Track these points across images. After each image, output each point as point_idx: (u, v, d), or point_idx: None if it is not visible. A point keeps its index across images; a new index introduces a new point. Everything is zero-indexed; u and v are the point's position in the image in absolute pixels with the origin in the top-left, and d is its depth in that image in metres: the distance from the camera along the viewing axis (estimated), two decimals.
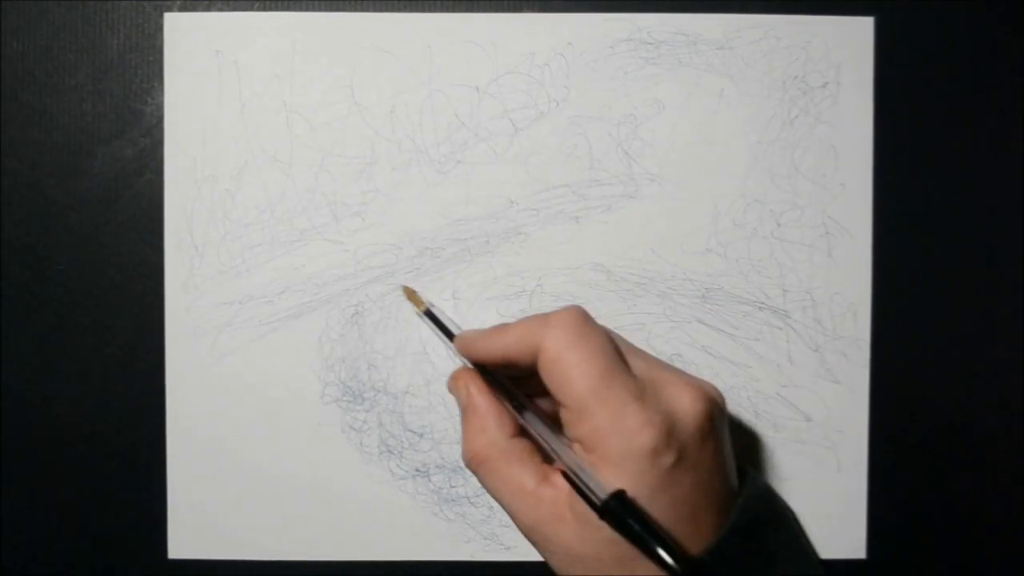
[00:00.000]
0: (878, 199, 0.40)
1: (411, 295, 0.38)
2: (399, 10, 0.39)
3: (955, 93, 0.40)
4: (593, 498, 0.29)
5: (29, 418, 0.40)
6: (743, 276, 0.40)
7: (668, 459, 0.29)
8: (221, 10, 0.39)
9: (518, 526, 0.31)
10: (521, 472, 0.31)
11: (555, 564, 0.31)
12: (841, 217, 0.40)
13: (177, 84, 0.39)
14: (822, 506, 0.40)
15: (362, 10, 0.39)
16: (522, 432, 0.33)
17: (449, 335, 0.36)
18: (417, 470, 0.40)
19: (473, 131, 0.39)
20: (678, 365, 0.40)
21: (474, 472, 0.32)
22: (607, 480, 0.29)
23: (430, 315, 0.37)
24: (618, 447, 0.29)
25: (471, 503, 0.40)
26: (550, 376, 0.30)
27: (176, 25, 0.39)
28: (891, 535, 0.40)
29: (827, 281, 0.40)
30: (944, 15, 0.40)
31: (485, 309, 0.40)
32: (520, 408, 0.32)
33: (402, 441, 0.40)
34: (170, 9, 0.39)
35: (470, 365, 0.34)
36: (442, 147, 0.40)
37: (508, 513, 0.32)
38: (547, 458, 0.32)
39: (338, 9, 0.39)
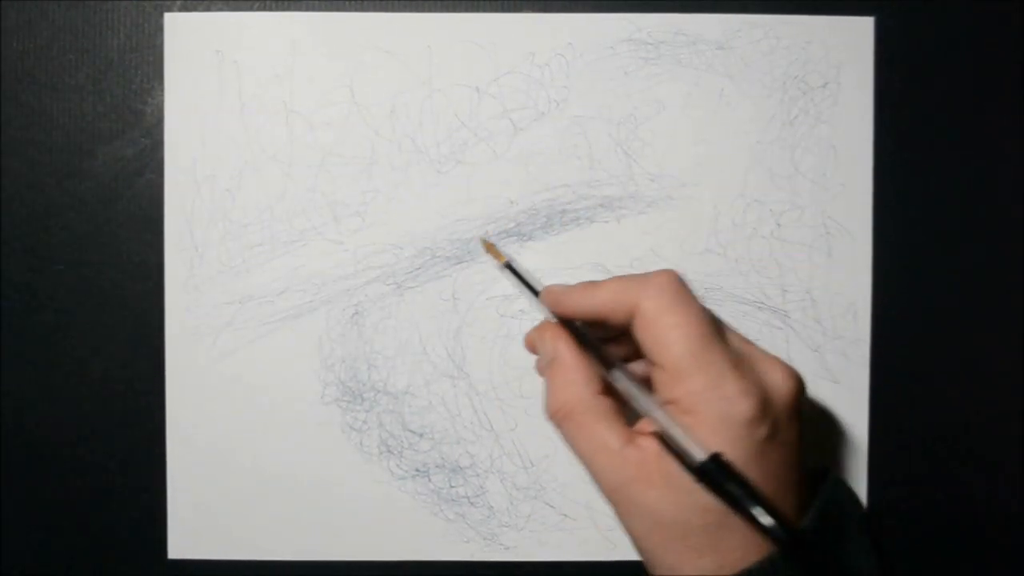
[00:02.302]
0: (878, 199, 0.40)
1: (490, 248, 0.38)
2: (399, 10, 0.39)
3: (955, 93, 0.40)
4: (689, 460, 0.28)
5: (29, 418, 0.40)
6: (743, 276, 0.40)
7: (762, 431, 0.28)
8: (221, 10, 0.39)
9: (599, 485, 0.30)
10: (607, 430, 0.30)
11: (634, 528, 0.30)
12: (841, 217, 0.40)
13: (177, 84, 0.39)
14: None
15: (362, 10, 0.39)
16: (607, 392, 0.32)
17: (531, 289, 0.35)
18: (417, 470, 0.40)
19: (473, 131, 0.39)
20: None
21: (557, 426, 0.32)
22: (703, 443, 0.28)
23: (510, 268, 0.37)
24: (716, 412, 0.28)
25: (471, 503, 0.40)
26: (647, 336, 0.30)
27: (176, 25, 0.39)
28: (891, 535, 0.40)
29: (827, 281, 0.40)
30: (944, 15, 0.40)
31: (485, 309, 0.40)
32: (609, 366, 0.32)
33: (402, 441, 0.40)
34: (170, 9, 0.39)
35: (553, 320, 0.34)
36: (442, 147, 0.40)
37: (589, 471, 0.31)
38: (631, 421, 0.31)
39: (338, 9, 0.39)
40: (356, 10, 0.39)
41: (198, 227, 0.39)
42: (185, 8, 0.39)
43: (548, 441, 0.40)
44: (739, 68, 0.39)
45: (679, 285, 0.30)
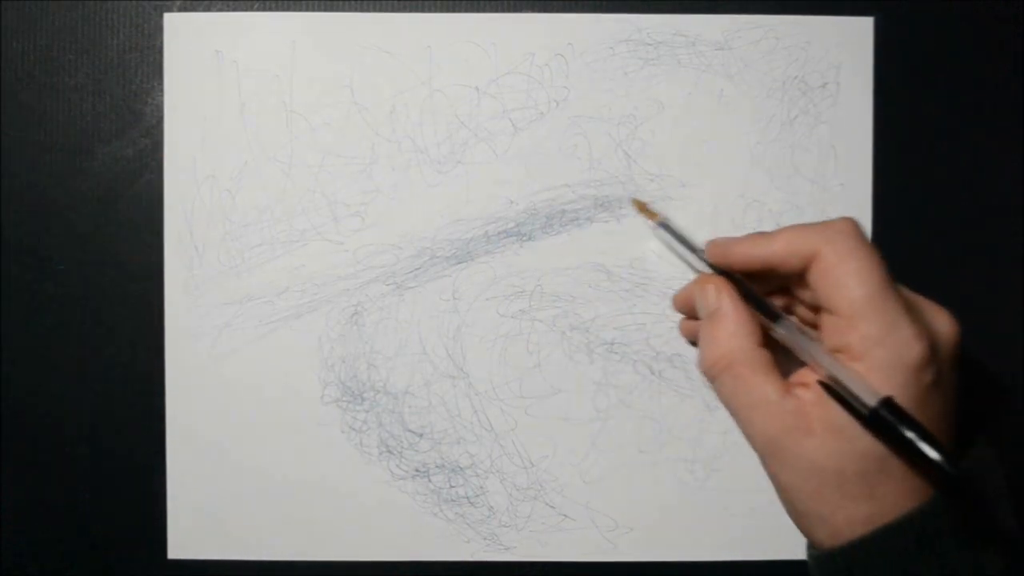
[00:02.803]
0: (877, 199, 0.40)
1: (642, 208, 0.38)
2: (399, 10, 0.39)
3: (955, 93, 0.40)
4: (858, 406, 0.28)
5: (29, 418, 0.40)
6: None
7: (928, 376, 0.29)
8: (221, 10, 0.39)
9: (752, 436, 0.31)
10: (766, 382, 0.30)
11: (786, 479, 0.30)
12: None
13: (177, 84, 0.39)
14: None
15: (362, 10, 0.39)
16: (766, 345, 0.32)
17: (687, 245, 0.36)
18: (417, 470, 0.40)
19: (473, 131, 0.39)
20: (678, 365, 0.40)
21: (714, 378, 0.32)
22: (874, 388, 0.28)
23: (665, 227, 0.37)
24: (888, 357, 0.29)
25: (471, 503, 0.40)
26: (825, 281, 0.30)
27: (176, 25, 0.39)
28: None
29: None
30: (944, 15, 0.40)
31: (485, 309, 0.40)
32: (775, 316, 0.32)
33: (402, 441, 0.40)
34: (170, 9, 0.39)
35: (709, 272, 0.34)
36: (442, 147, 0.40)
37: (743, 423, 0.31)
38: (786, 373, 0.32)
39: (338, 9, 0.39)
40: (356, 10, 0.39)
41: (198, 227, 0.39)
42: (185, 8, 0.39)
43: (548, 441, 0.40)
44: (739, 68, 0.39)
45: (859, 232, 0.31)
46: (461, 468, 0.40)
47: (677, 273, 0.39)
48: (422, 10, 0.39)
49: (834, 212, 0.39)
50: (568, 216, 0.40)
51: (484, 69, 0.39)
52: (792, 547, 0.40)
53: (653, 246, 0.39)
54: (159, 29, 0.39)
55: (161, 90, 0.40)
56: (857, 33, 0.39)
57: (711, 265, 0.34)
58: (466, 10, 0.39)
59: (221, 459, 0.40)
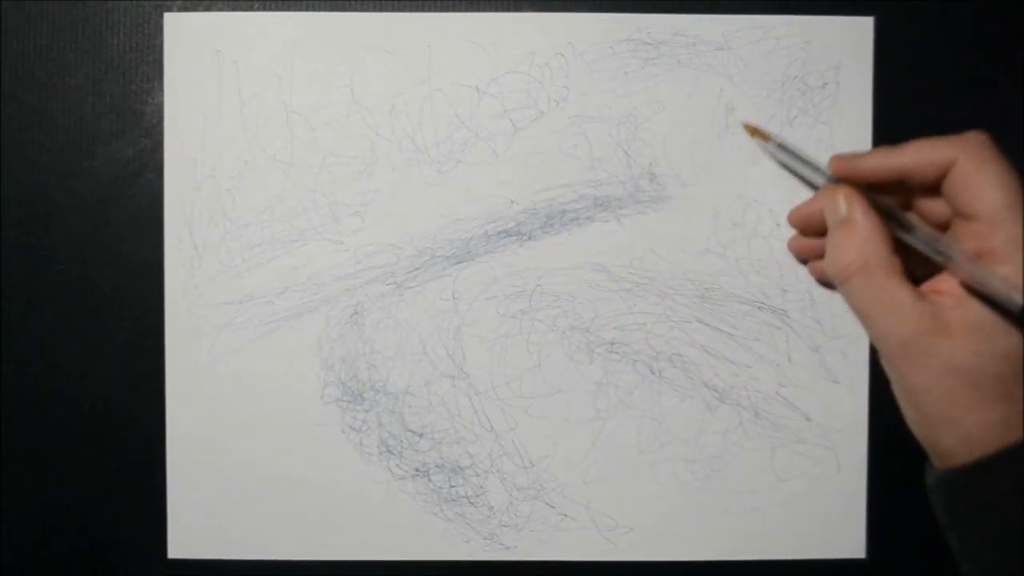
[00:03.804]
0: None
1: (754, 131, 0.38)
2: (399, 10, 0.39)
3: (955, 93, 0.40)
4: (1008, 304, 0.29)
5: (29, 418, 0.40)
6: (743, 276, 0.40)
7: None
8: (221, 10, 0.39)
9: (885, 338, 0.32)
10: (900, 284, 0.31)
11: (921, 381, 0.31)
12: None
13: (177, 84, 0.39)
14: (822, 506, 0.40)
15: (362, 10, 0.39)
16: (897, 252, 0.33)
17: (807, 163, 0.37)
18: (417, 470, 0.40)
19: (473, 131, 0.39)
20: (678, 365, 0.40)
21: (846, 280, 0.33)
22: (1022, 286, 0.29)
23: (782, 146, 0.38)
24: None
25: (471, 503, 0.40)
26: (964, 188, 0.31)
27: (176, 25, 0.39)
28: (891, 535, 0.40)
29: None
30: (944, 15, 0.40)
31: (485, 309, 0.40)
32: (907, 224, 0.33)
33: (402, 441, 0.40)
34: (170, 9, 0.39)
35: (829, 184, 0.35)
36: (442, 147, 0.40)
37: (876, 325, 0.32)
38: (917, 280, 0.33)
39: (338, 9, 0.39)
40: (356, 10, 0.39)
41: (198, 227, 0.39)
42: (185, 8, 0.39)
43: (548, 441, 0.40)
44: (739, 68, 0.39)
45: (993, 143, 0.32)
46: (461, 468, 0.40)
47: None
48: (422, 10, 0.39)
49: None
50: (568, 216, 0.40)
51: (484, 69, 0.39)
52: (792, 547, 0.40)
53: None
54: (159, 29, 0.39)
55: (161, 90, 0.40)
56: (857, 33, 0.39)
57: (835, 181, 0.35)
58: (466, 10, 0.39)
59: (221, 459, 0.40)
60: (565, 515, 0.40)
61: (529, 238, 0.40)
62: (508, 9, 0.39)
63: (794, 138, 0.39)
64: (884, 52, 0.39)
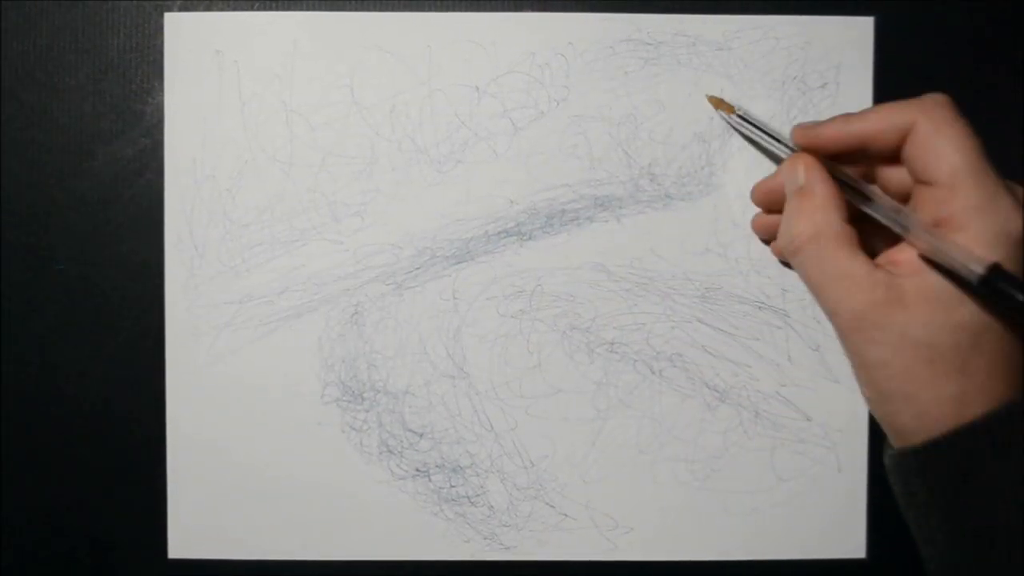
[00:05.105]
0: None
1: (718, 103, 0.38)
2: (399, 10, 0.39)
3: (955, 93, 0.40)
4: (965, 274, 0.28)
5: (29, 418, 0.40)
6: (743, 276, 0.40)
7: None
8: (221, 10, 0.39)
9: (837, 311, 0.31)
10: (853, 255, 0.30)
11: (875, 354, 0.30)
12: None
13: (177, 84, 0.39)
14: (822, 506, 0.40)
15: (362, 10, 0.39)
16: (852, 223, 0.32)
17: (769, 133, 0.36)
18: (417, 470, 0.40)
19: (473, 131, 0.39)
20: (678, 365, 0.40)
21: (797, 251, 0.32)
22: (979, 257, 0.28)
23: (744, 118, 0.37)
24: (991, 226, 0.28)
25: (471, 503, 0.40)
26: (922, 152, 0.30)
27: (176, 25, 0.39)
28: (891, 535, 0.40)
29: None
30: (944, 15, 0.40)
31: (485, 309, 0.40)
32: (866, 193, 0.32)
33: (402, 441, 0.40)
34: (170, 9, 0.39)
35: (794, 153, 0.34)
36: (442, 147, 0.40)
37: (827, 298, 0.31)
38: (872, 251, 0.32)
39: (338, 9, 0.39)
40: (356, 10, 0.39)
41: (198, 227, 0.39)
42: (185, 8, 0.39)
43: (548, 441, 0.40)
44: (739, 68, 0.39)
45: (953, 104, 0.31)
46: (461, 468, 0.40)
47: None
48: (422, 10, 0.39)
49: None
50: (568, 216, 0.40)
51: (484, 69, 0.39)
52: (792, 547, 0.40)
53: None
54: (159, 29, 0.39)
55: (161, 90, 0.40)
56: (857, 33, 0.39)
57: (797, 151, 0.34)
58: (466, 9, 0.39)
59: (221, 459, 0.40)
60: (565, 515, 0.40)
61: (529, 238, 0.40)
62: (508, 9, 0.39)
63: None
64: (884, 52, 0.39)
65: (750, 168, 0.39)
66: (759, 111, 0.39)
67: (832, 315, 0.31)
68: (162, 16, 0.39)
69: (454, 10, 0.39)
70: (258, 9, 0.39)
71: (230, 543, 0.40)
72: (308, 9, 0.39)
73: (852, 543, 0.40)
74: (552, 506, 0.40)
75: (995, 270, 0.28)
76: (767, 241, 0.39)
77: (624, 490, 0.40)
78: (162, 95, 0.39)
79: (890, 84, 0.39)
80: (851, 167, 0.34)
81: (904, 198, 0.33)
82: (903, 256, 0.31)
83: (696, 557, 0.40)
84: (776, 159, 0.38)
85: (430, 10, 0.39)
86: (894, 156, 0.32)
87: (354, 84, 0.39)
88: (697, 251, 0.40)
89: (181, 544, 0.40)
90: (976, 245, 0.28)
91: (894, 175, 0.33)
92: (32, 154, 0.40)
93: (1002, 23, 0.40)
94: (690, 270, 0.40)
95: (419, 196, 0.40)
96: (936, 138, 0.30)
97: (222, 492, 0.40)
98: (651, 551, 0.40)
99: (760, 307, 0.40)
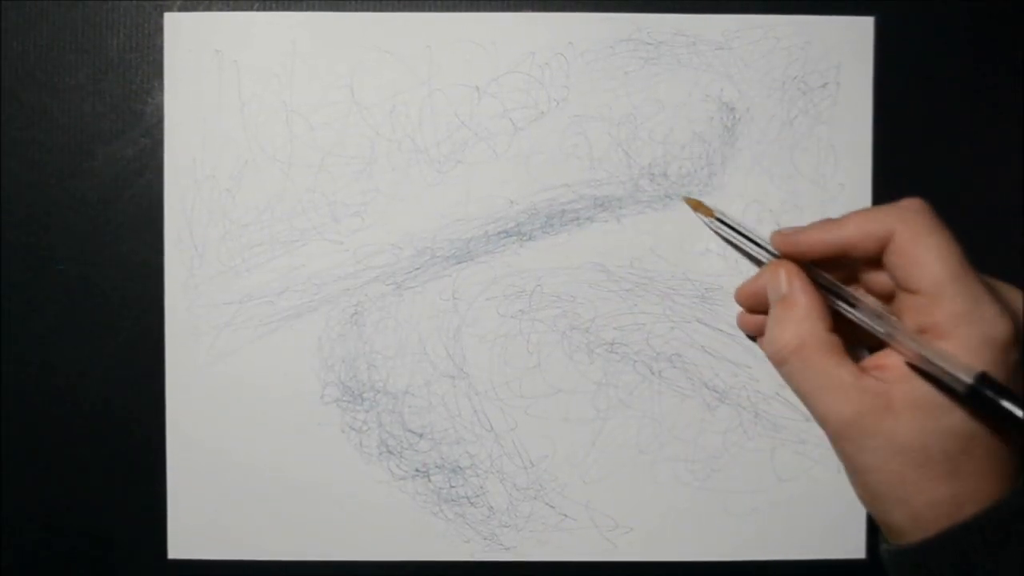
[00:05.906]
0: (877, 199, 0.40)
1: (697, 205, 0.38)
2: (399, 10, 0.39)
3: (955, 93, 0.40)
4: (951, 383, 0.28)
5: (29, 418, 0.40)
6: (743, 276, 0.40)
7: (1015, 355, 0.29)
8: (221, 10, 0.39)
9: (826, 420, 0.30)
10: (839, 363, 0.30)
11: (866, 460, 0.30)
12: None
13: (177, 84, 0.39)
14: (822, 506, 0.40)
15: (362, 10, 0.39)
16: (836, 330, 0.32)
17: (749, 238, 0.36)
18: (417, 470, 0.40)
19: (473, 131, 0.39)
20: (678, 365, 0.40)
21: (783, 362, 0.32)
22: (966, 364, 0.28)
23: (724, 222, 0.37)
24: (976, 334, 0.28)
25: (471, 503, 0.40)
26: (903, 261, 0.30)
27: (176, 25, 0.39)
28: None
29: None
30: (944, 15, 0.40)
31: (485, 309, 0.40)
32: (851, 300, 0.32)
33: (402, 441, 0.40)
34: (170, 9, 0.39)
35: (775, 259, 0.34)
36: (442, 147, 0.40)
37: (815, 406, 0.31)
38: (857, 358, 0.32)
39: (338, 9, 0.39)
40: (356, 10, 0.39)
41: (198, 227, 0.39)
42: (185, 8, 0.39)
43: (548, 441, 0.40)
44: (739, 68, 0.39)
45: (931, 211, 0.31)
46: (461, 468, 0.40)
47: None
48: (422, 10, 0.39)
49: (834, 211, 0.39)
50: (568, 216, 0.40)
51: (484, 68, 0.39)
52: (792, 547, 0.40)
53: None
54: (159, 29, 0.39)
55: (161, 90, 0.40)
56: (857, 33, 0.39)
57: (778, 255, 0.34)
58: (466, 10, 0.39)
59: (221, 459, 0.40)
60: (565, 515, 0.40)
61: (529, 238, 0.40)
62: (508, 9, 0.39)
63: (794, 138, 0.40)
64: (884, 52, 0.39)
65: (750, 168, 0.39)
66: (759, 111, 0.39)
67: (822, 423, 0.31)
68: (162, 16, 0.39)
69: (454, 10, 0.39)
70: (258, 9, 0.39)
71: (230, 543, 0.40)
72: (308, 9, 0.39)
73: (852, 543, 0.40)
74: (552, 506, 0.40)
75: (983, 380, 0.28)
76: (753, 338, 0.39)
77: (624, 490, 0.40)
78: (162, 95, 0.39)
79: (890, 84, 0.40)
80: (834, 271, 0.34)
81: (889, 298, 0.33)
82: (889, 361, 0.31)
83: (696, 557, 0.40)
84: (757, 262, 0.38)
85: (430, 10, 0.39)
86: (875, 261, 0.32)
87: (354, 84, 0.39)
88: (697, 251, 0.40)
89: (181, 544, 0.40)
90: (962, 353, 0.28)
91: (878, 278, 0.33)
92: (32, 154, 0.40)
93: (1002, 23, 0.40)
94: (690, 270, 0.40)
95: (419, 196, 0.40)
96: (916, 248, 0.30)
97: (222, 492, 0.40)
98: (651, 551, 0.40)
99: None
